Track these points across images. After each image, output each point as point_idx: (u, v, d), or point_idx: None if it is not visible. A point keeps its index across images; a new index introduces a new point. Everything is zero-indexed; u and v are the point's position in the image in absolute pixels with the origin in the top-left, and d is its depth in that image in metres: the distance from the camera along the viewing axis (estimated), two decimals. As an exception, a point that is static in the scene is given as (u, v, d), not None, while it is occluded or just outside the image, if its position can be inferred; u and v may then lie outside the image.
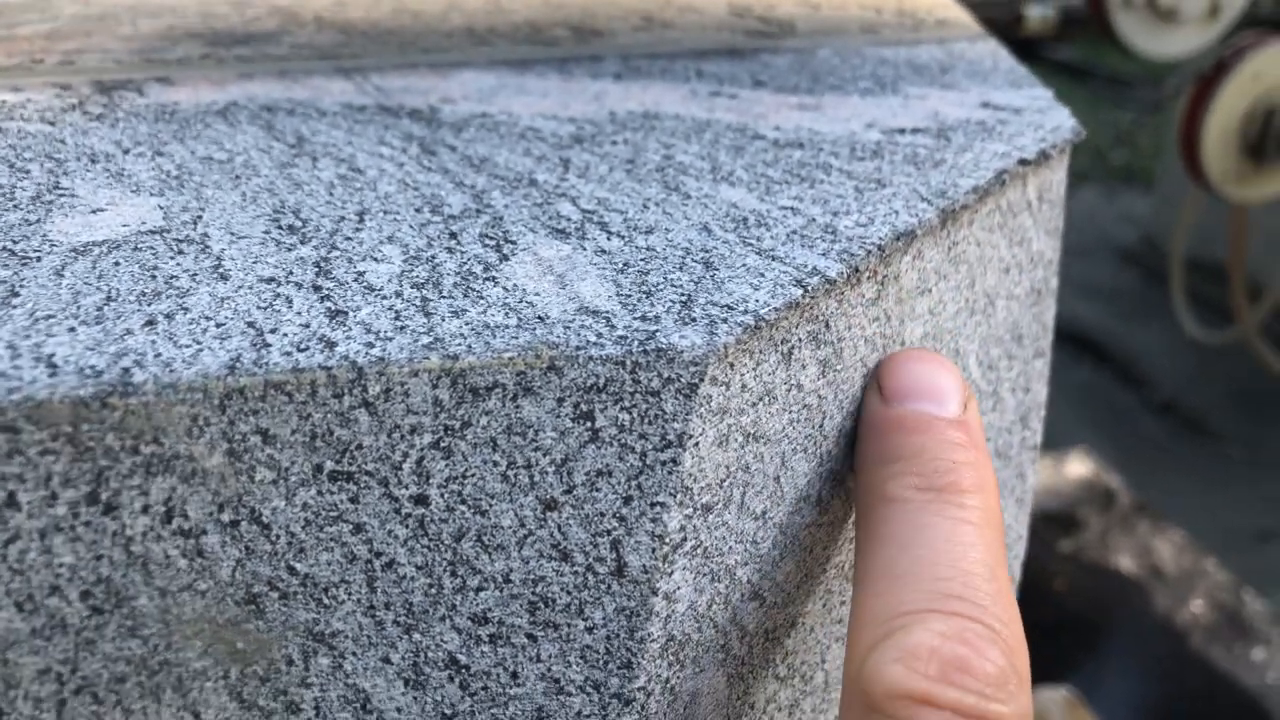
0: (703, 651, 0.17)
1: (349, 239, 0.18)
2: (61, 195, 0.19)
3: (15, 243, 0.17)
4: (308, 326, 0.15)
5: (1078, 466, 1.36)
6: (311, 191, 0.20)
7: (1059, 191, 0.25)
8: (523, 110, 0.25)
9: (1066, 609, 1.14)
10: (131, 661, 0.15)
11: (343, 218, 0.19)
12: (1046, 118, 0.25)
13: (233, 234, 0.18)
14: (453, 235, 0.18)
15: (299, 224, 0.18)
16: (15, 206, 0.19)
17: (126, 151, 0.21)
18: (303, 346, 0.14)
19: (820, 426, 0.18)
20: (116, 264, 0.17)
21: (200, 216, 0.18)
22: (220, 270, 0.16)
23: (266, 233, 0.18)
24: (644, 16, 0.34)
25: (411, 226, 0.18)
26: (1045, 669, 0.98)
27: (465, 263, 0.17)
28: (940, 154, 0.22)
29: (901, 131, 0.24)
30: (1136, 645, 1.15)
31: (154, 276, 0.16)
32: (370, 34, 0.31)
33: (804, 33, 0.33)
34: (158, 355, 0.14)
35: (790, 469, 0.17)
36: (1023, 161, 0.22)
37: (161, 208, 0.19)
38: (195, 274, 0.16)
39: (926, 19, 0.35)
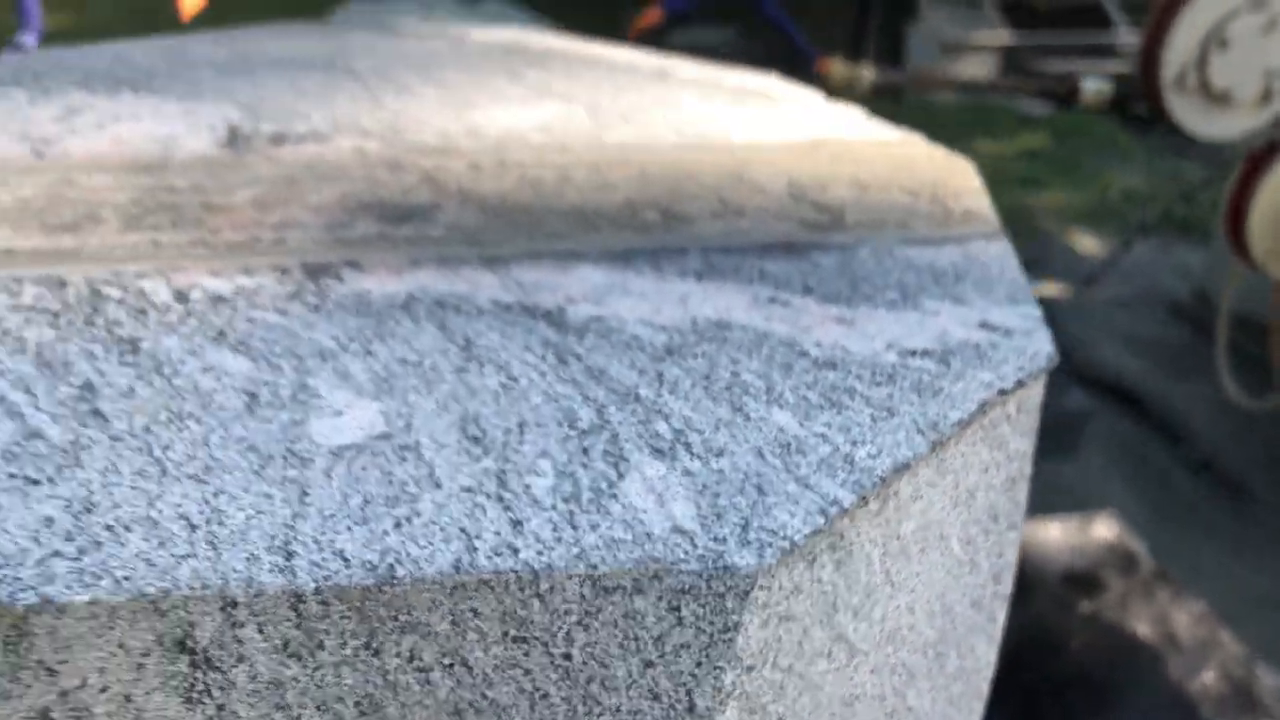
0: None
1: (517, 451, 0.26)
2: (310, 396, 0.27)
3: (293, 443, 0.25)
4: (499, 534, 0.23)
5: (1103, 530, 1.42)
6: (484, 401, 0.28)
7: (1035, 400, 0.33)
8: (627, 314, 0.33)
9: (1081, 668, 1.20)
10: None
11: (508, 429, 0.27)
12: (1031, 342, 0.33)
13: (437, 442, 0.26)
14: (584, 451, 0.26)
15: (480, 434, 0.26)
16: (283, 406, 0.27)
17: (344, 349, 0.30)
18: (499, 552, 0.22)
19: (833, 604, 0.26)
20: (364, 468, 0.25)
21: (410, 423, 0.27)
22: (434, 478, 0.25)
23: (459, 441, 0.26)
24: (719, 199, 0.42)
25: (556, 441, 0.26)
26: (1053, 725, 1.04)
27: (595, 479, 0.25)
28: (940, 381, 0.30)
29: (913, 354, 0.31)
30: (1146, 710, 1.21)
31: (390, 482, 0.24)
32: (500, 210, 0.39)
33: (850, 224, 0.41)
34: (409, 554, 0.22)
35: (809, 635, 0.25)
36: (1002, 392, 0.30)
37: (383, 414, 0.27)
38: (419, 480, 0.24)
39: (955, 209, 0.43)
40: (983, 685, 0.35)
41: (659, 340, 0.31)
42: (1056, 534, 1.36)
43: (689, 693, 0.23)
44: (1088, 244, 3.69)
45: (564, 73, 0.57)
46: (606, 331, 0.32)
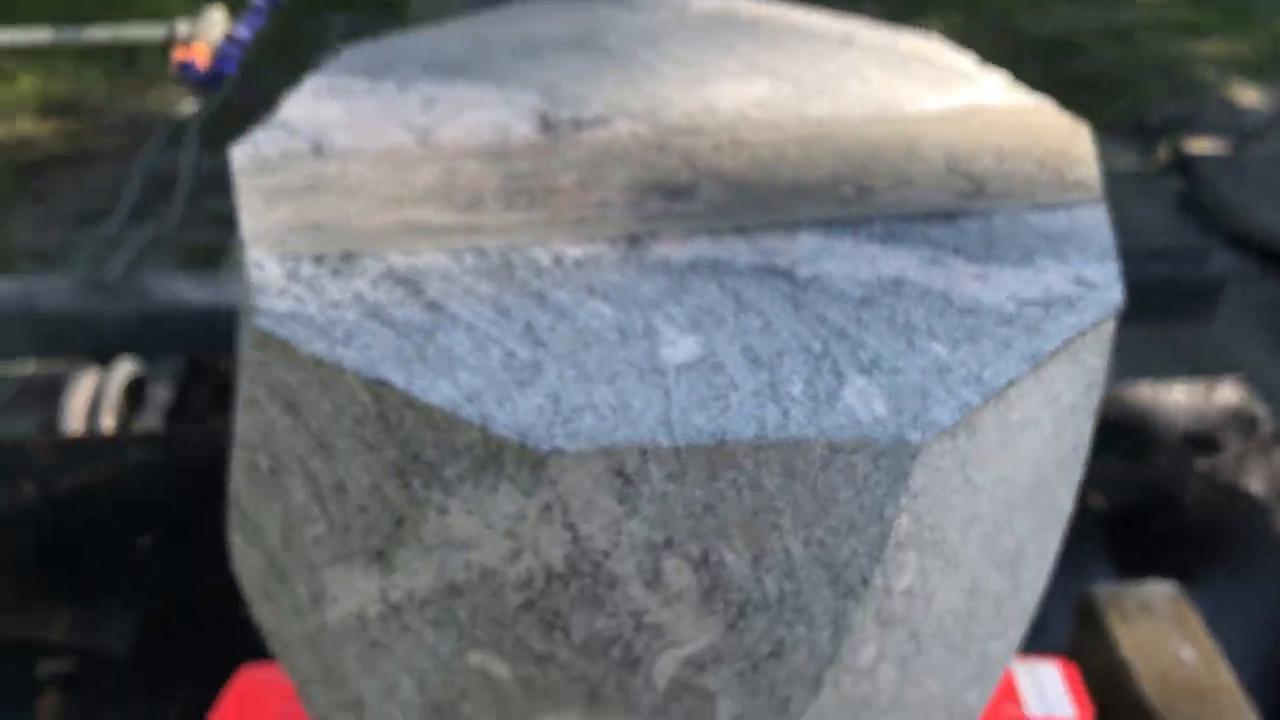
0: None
1: (779, 369, 0.44)
2: (654, 333, 0.46)
3: (654, 362, 0.44)
4: (777, 419, 0.42)
5: (1228, 394, 1.54)
6: (754, 336, 0.46)
7: (1108, 330, 0.50)
8: (835, 272, 0.50)
9: (1192, 521, 1.35)
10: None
11: (772, 354, 0.45)
12: (1109, 293, 0.49)
13: (732, 363, 0.44)
14: (819, 369, 0.44)
15: (757, 358, 0.45)
16: (641, 338, 0.46)
17: (664, 301, 0.48)
18: (780, 428, 0.41)
19: (965, 461, 0.44)
20: (695, 379, 0.44)
21: (715, 351, 0.45)
22: (734, 385, 0.43)
23: (746, 362, 0.44)
24: (895, 171, 0.58)
25: (801, 362, 0.45)
26: (1159, 570, 1.21)
27: (828, 387, 0.43)
28: (1042, 323, 0.47)
29: (1026, 303, 0.48)
30: (1253, 561, 1.36)
31: (710, 386, 0.43)
32: (739, 186, 0.57)
33: (990, 193, 0.57)
34: (730, 429, 0.41)
35: (949, 480, 0.44)
36: (1082, 332, 0.47)
37: (698, 344, 0.45)
38: (727, 386, 0.43)
39: (1069, 178, 0.59)
40: (1063, 520, 0.53)
41: (856, 293, 0.49)
42: (1180, 397, 1.49)
43: (881, 507, 0.42)
44: (1250, 97, 3.60)
45: (769, 44, 0.73)
46: (822, 286, 0.50)
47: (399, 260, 0.51)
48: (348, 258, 0.51)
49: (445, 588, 0.45)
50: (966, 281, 0.50)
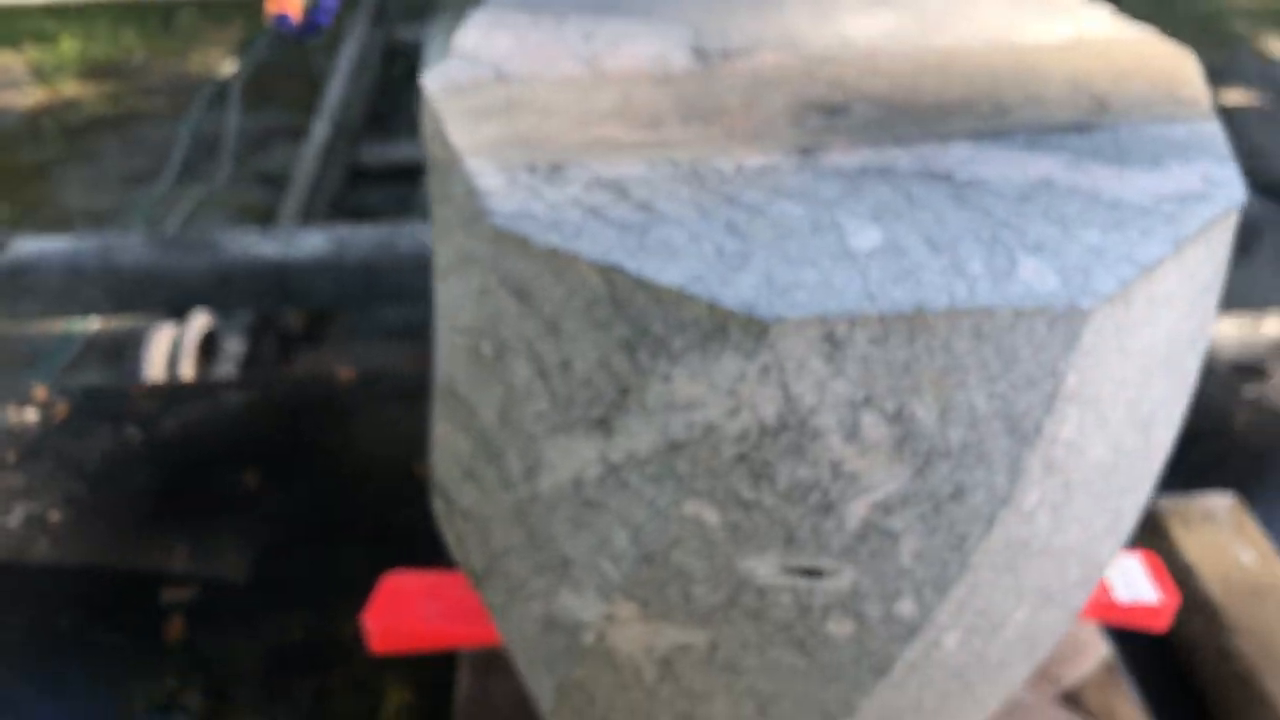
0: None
1: (957, 253, 0.51)
2: (837, 225, 0.53)
3: (844, 249, 0.51)
4: (964, 291, 0.48)
5: (1272, 325, 1.60)
6: (929, 226, 0.53)
7: (1232, 220, 0.56)
8: (991, 175, 0.57)
9: (1243, 444, 1.42)
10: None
11: (949, 240, 0.52)
12: (1233, 189, 0.56)
13: (915, 248, 0.51)
14: (992, 251, 0.51)
15: (937, 243, 0.51)
16: (828, 229, 0.52)
17: (844, 199, 0.55)
18: (971, 298, 0.48)
19: (1120, 327, 0.51)
20: (884, 260, 0.50)
21: (896, 237, 0.52)
22: (922, 266, 0.50)
23: (925, 248, 0.51)
24: (1024, 92, 0.65)
25: (976, 246, 0.51)
26: (1215, 485, 1.28)
27: (1003, 265, 0.50)
28: (1179, 214, 0.54)
29: (1163, 198, 0.55)
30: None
31: (902, 266, 0.50)
32: (887, 106, 0.63)
33: (1113, 110, 0.63)
34: (924, 299, 0.48)
35: (1107, 342, 0.50)
36: (1213, 222, 0.53)
37: (879, 233, 0.52)
38: (918, 265, 0.50)
39: (1183, 96, 0.65)
40: (1189, 391, 0.60)
41: (1012, 192, 0.56)
42: (1229, 328, 1.56)
43: (1055, 365, 0.49)
44: (1282, 50, 3.62)
45: (884, -17, 0.79)
46: (981, 187, 0.56)
47: (602, 169, 0.58)
48: (556, 167, 0.58)
49: (666, 446, 0.52)
50: (1107, 181, 0.57)
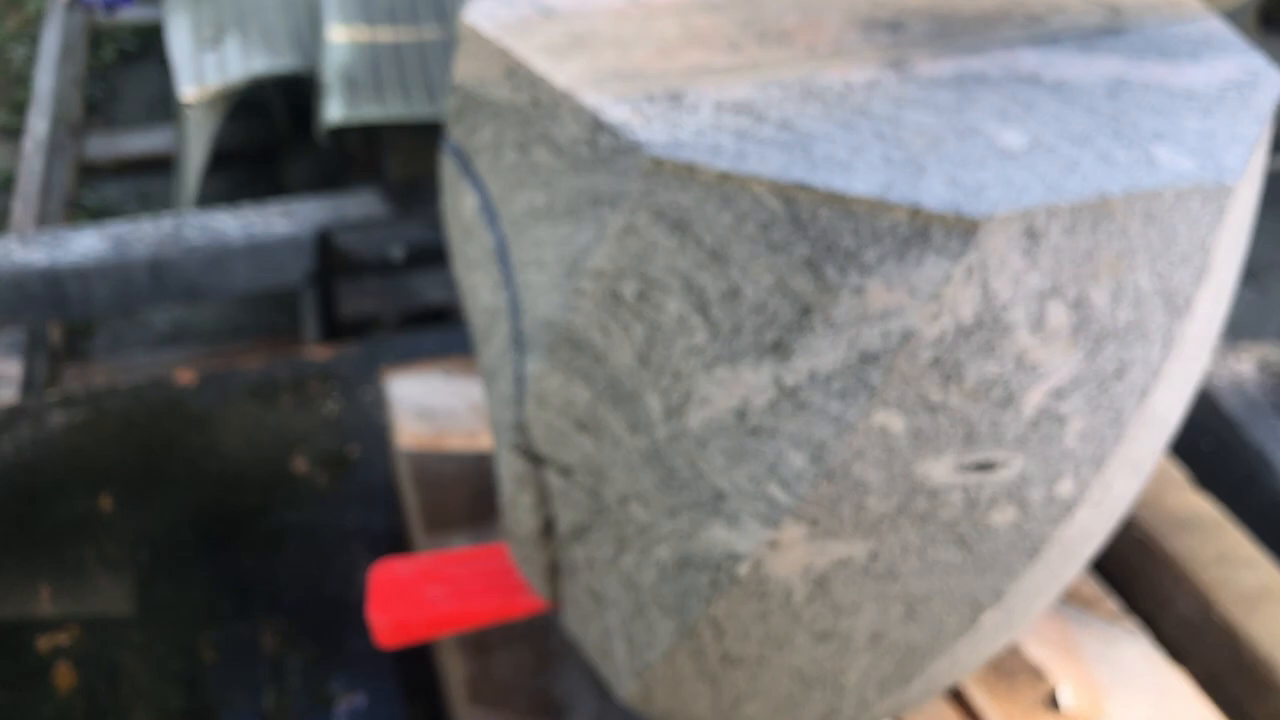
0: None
1: (1069, 143, 0.54)
2: (970, 129, 0.54)
3: (980, 159, 0.53)
4: (1075, 182, 0.51)
5: None
6: (1043, 120, 0.55)
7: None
8: (1069, 75, 0.60)
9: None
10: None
11: (1058, 136, 0.55)
12: (1274, 76, 0.62)
13: (1034, 145, 0.54)
14: (1089, 141, 0.54)
15: (1085, 137, 0.54)
16: (958, 138, 0.54)
17: (950, 106, 0.57)
18: (1084, 186, 0.51)
19: (1222, 212, 0.55)
20: (1027, 158, 0.52)
21: (1037, 135, 0.54)
22: (1044, 163, 0.53)
23: (1037, 143, 0.54)
24: (1047, 3, 0.69)
25: (1083, 133, 0.54)
26: None
27: (1103, 154, 0.53)
28: (1247, 97, 0.59)
29: (1224, 86, 0.60)
30: None
31: (1052, 160, 0.52)
32: (941, 20, 0.66)
33: (1130, 14, 0.68)
34: (1075, 189, 0.50)
35: (1236, 216, 0.55)
36: (1274, 103, 0.59)
37: (1019, 134, 0.54)
38: (1050, 161, 0.52)
39: (1177, 0, 0.71)
40: (1244, 257, 0.67)
41: (1099, 89, 0.59)
42: None
43: (1204, 239, 0.53)
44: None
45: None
46: (1070, 87, 0.59)
47: (717, 95, 0.56)
48: (674, 96, 0.56)
49: (857, 359, 0.53)
50: (1168, 75, 0.61)
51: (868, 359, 0.52)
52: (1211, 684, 1.02)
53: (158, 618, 1.16)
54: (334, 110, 1.96)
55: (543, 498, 0.68)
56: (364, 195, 2.03)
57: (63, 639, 1.15)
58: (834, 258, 0.51)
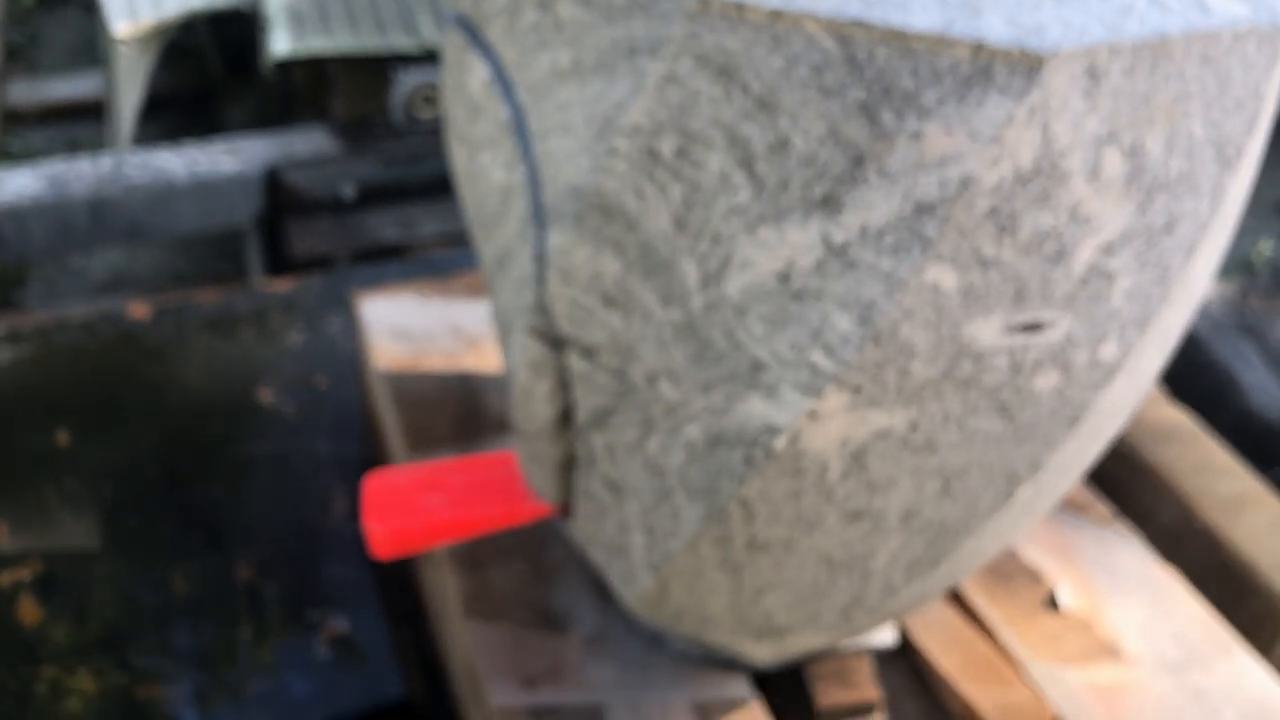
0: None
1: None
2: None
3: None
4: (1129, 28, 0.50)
5: None
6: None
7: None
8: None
9: None
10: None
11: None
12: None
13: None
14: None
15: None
16: None
17: None
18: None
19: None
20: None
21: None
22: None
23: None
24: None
25: None
26: None
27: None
28: None
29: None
30: None
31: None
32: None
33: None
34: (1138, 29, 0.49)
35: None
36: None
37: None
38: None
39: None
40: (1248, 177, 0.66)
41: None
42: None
43: (1258, 85, 0.52)
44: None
45: None
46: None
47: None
48: (710, -58, 0.53)
49: (912, 210, 0.51)
50: None
51: (923, 210, 0.51)
52: (1195, 589, 1.03)
53: (125, 551, 1.11)
54: (280, 44, 1.89)
55: (561, 384, 0.65)
56: (312, 132, 1.97)
57: (24, 574, 1.10)
58: (891, 101, 0.49)
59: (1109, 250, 0.54)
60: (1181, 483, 1.10)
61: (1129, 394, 0.63)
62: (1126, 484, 1.15)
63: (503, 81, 0.62)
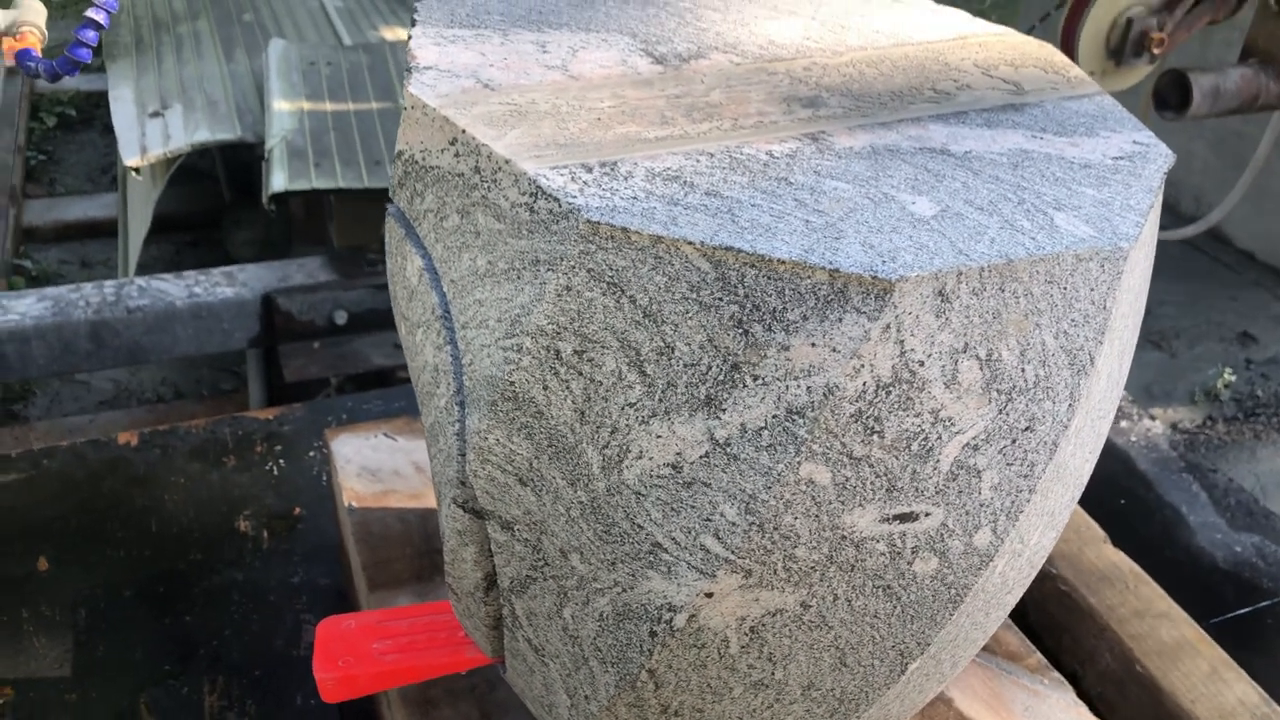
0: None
1: (980, 210, 0.58)
2: (884, 197, 0.58)
3: (895, 220, 0.57)
4: (1004, 234, 0.55)
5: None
6: (954, 191, 0.59)
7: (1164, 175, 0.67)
8: (975, 148, 0.65)
9: None
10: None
11: (966, 204, 0.59)
12: (1162, 150, 0.67)
13: (949, 213, 0.58)
14: (998, 208, 0.58)
15: (966, 209, 0.58)
16: (876, 204, 0.58)
17: (874, 177, 0.60)
18: (1015, 240, 0.55)
19: (1136, 249, 0.60)
20: (938, 222, 0.56)
21: (944, 204, 0.58)
22: (967, 224, 0.57)
23: (960, 211, 0.58)
24: (950, 79, 0.74)
25: (995, 201, 0.59)
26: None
27: (1009, 219, 0.58)
28: (1139, 170, 0.64)
29: (1118, 158, 0.65)
30: None
31: (959, 225, 0.56)
32: (853, 95, 0.70)
33: (1027, 91, 0.73)
34: (982, 254, 0.54)
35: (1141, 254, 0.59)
36: (1163, 175, 0.64)
37: (927, 202, 0.58)
38: (962, 224, 0.56)
39: (1072, 78, 0.76)
40: (1140, 321, 0.71)
41: (1004, 160, 0.64)
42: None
43: (1104, 300, 0.57)
44: None
45: (770, -8, 0.86)
46: (977, 158, 0.64)
47: (649, 164, 0.60)
48: (608, 165, 0.59)
49: (784, 413, 0.56)
50: (1066, 148, 0.66)
51: (794, 413, 0.55)
52: (1136, 733, 1.05)
53: (94, 678, 1.15)
54: (278, 179, 1.98)
55: (485, 552, 0.70)
56: (308, 261, 2.04)
57: (-2, 702, 1.13)
58: (760, 316, 0.54)
59: (974, 448, 0.58)
60: (1121, 627, 1.13)
61: (1017, 571, 0.67)
62: (1068, 628, 1.18)
63: (433, 272, 0.68)
